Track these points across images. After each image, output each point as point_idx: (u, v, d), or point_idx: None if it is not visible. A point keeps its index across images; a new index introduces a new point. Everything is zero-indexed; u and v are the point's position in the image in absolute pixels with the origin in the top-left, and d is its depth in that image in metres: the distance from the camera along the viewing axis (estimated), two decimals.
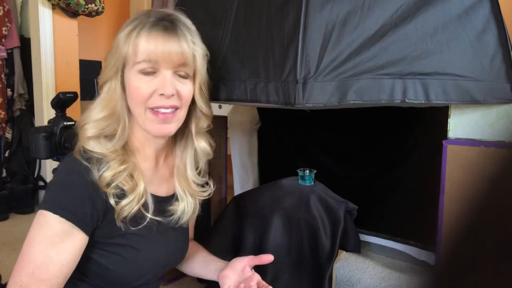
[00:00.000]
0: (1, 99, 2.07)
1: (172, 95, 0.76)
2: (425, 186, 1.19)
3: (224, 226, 1.27)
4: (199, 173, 0.89)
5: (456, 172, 0.93)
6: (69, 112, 1.15)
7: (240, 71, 0.93)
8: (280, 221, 1.17)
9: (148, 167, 0.84)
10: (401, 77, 0.85)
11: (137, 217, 0.77)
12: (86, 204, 0.72)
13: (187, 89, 0.79)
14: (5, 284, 0.72)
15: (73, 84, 2.23)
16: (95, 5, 2.12)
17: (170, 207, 0.84)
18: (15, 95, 2.18)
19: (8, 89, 2.16)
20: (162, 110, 0.76)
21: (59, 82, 2.15)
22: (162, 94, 0.75)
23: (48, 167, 2.15)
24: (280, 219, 1.17)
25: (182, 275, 1.33)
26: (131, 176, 0.76)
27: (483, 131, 0.95)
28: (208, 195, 0.90)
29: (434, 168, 1.00)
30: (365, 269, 1.26)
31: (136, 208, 0.75)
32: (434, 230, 0.96)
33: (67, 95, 1.11)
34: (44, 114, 2.11)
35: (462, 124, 0.98)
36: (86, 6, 2.08)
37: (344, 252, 1.24)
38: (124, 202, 0.74)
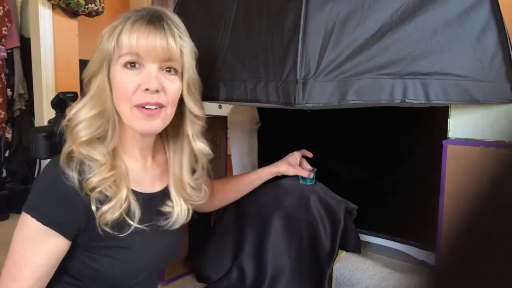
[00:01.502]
0: (1, 99, 2.07)
1: (157, 91, 0.74)
2: (425, 186, 1.19)
3: (224, 226, 1.27)
4: (196, 177, 0.89)
5: (456, 172, 0.93)
6: (69, 112, 1.15)
7: (240, 71, 0.93)
8: (280, 221, 1.17)
9: (137, 167, 0.83)
10: (401, 77, 0.85)
11: (121, 224, 0.75)
12: (65, 210, 0.71)
13: (174, 86, 0.77)
14: None
15: (73, 84, 2.23)
16: (95, 5, 2.12)
17: (163, 208, 0.83)
18: (15, 95, 2.18)
19: (8, 89, 2.16)
20: (147, 107, 0.74)
21: (59, 82, 2.15)
22: (147, 89, 0.73)
23: None
24: (280, 219, 1.17)
25: (182, 275, 1.33)
26: (115, 181, 0.75)
27: (483, 131, 0.95)
28: (199, 200, 0.90)
29: (434, 168, 1.00)
30: (365, 269, 1.26)
31: (117, 214, 0.73)
32: (434, 230, 0.96)
33: (67, 95, 1.11)
34: (44, 114, 2.11)
35: (462, 124, 0.98)
36: (86, 6, 2.08)
37: (344, 252, 1.24)
38: (105, 207, 0.72)
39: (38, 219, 0.70)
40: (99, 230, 0.73)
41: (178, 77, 0.78)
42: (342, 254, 1.22)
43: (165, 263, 0.91)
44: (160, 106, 0.75)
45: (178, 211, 0.85)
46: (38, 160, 2.16)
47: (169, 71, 0.77)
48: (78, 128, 0.74)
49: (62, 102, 1.12)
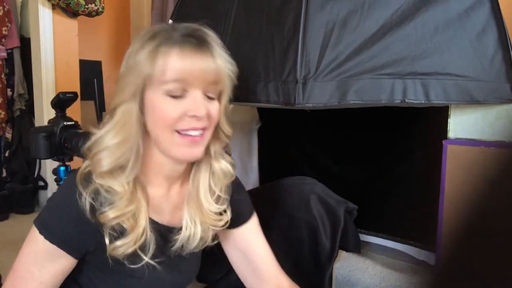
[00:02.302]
0: (1, 99, 2.07)
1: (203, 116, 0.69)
2: (425, 186, 1.19)
3: None
4: (216, 200, 0.78)
5: (456, 172, 0.93)
6: (69, 112, 1.15)
7: (240, 71, 0.93)
8: (280, 221, 1.17)
9: (159, 194, 0.76)
10: (401, 77, 0.85)
11: (133, 257, 0.71)
12: (76, 232, 0.69)
13: (215, 108, 0.71)
14: None
15: (73, 84, 2.23)
16: (95, 5, 2.12)
17: (175, 237, 0.77)
18: (15, 95, 2.17)
19: (8, 89, 2.15)
20: (192, 133, 0.68)
21: (59, 82, 2.15)
22: (193, 116, 0.67)
23: (48, 167, 2.15)
24: (280, 219, 1.17)
25: None
26: (133, 214, 0.70)
27: (483, 131, 0.95)
28: (224, 224, 0.79)
29: (434, 168, 1.00)
30: (365, 269, 1.26)
31: (131, 250, 0.69)
32: (434, 230, 0.96)
33: (67, 95, 1.11)
34: (44, 114, 2.11)
35: (462, 124, 0.98)
36: (86, 6, 2.08)
37: (344, 252, 1.24)
38: (118, 242, 0.68)
39: (47, 237, 0.68)
40: (109, 259, 0.70)
41: (216, 99, 0.73)
42: (342, 254, 1.22)
43: None
44: (204, 129, 0.70)
45: (189, 235, 0.76)
46: (38, 160, 2.16)
47: (211, 95, 0.71)
48: (100, 157, 0.68)
49: (62, 102, 1.12)
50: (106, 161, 0.68)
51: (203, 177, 0.78)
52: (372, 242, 1.43)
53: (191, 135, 0.69)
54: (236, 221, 0.84)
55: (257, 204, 1.24)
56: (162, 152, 0.72)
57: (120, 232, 0.69)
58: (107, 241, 0.68)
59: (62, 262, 0.70)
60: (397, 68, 0.85)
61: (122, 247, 0.69)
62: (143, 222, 0.70)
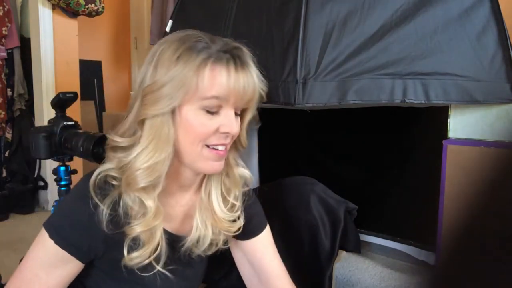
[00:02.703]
0: (1, 99, 2.07)
1: None
2: (425, 186, 1.19)
3: None
4: (231, 208, 0.78)
5: (456, 172, 0.93)
6: (69, 112, 1.15)
7: None
8: (280, 221, 1.17)
9: (170, 203, 0.77)
10: (401, 77, 0.85)
11: (146, 266, 0.71)
12: (86, 238, 0.69)
13: (239, 124, 0.72)
14: (5, 284, 0.72)
15: (73, 84, 2.23)
16: (95, 5, 2.12)
17: (183, 248, 0.77)
18: (15, 95, 2.17)
19: (8, 89, 2.15)
20: (220, 148, 0.70)
21: (59, 82, 2.15)
22: (226, 132, 0.68)
23: (48, 167, 2.15)
24: (280, 219, 1.17)
25: None
26: (155, 227, 0.70)
27: (483, 131, 0.95)
28: (237, 230, 0.78)
29: (434, 168, 1.00)
30: (365, 269, 1.26)
31: (146, 261, 0.70)
32: (434, 230, 0.96)
33: (67, 95, 1.11)
34: (44, 114, 2.11)
35: (462, 124, 0.98)
36: (86, 6, 2.08)
37: (344, 252, 1.24)
38: (135, 254, 0.68)
39: (57, 242, 0.68)
40: (120, 264, 0.70)
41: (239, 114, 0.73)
42: (342, 254, 1.22)
43: None
44: (227, 144, 0.71)
45: (199, 236, 0.76)
46: (38, 160, 2.16)
47: (238, 113, 0.72)
48: (136, 175, 0.67)
49: (62, 102, 1.12)
50: (142, 181, 0.66)
51: (215, 186, 0.78)
52: (372, 242, 1.43)
53: (218, 150, 0.69)
54: (248, 233, 0.84)
55: None
56: (184, 163, 0.71)
57: (137, 244, 0.69)
58: (125, 252, 0.68)
59: (70, 267, 0.70)
60: (397, 68, 0.85)
61: (138, 258, 0.69)
62: (158, 234, 0.70)
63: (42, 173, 2.20)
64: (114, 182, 0.68)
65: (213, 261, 1.24)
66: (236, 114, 0.71)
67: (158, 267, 0.71)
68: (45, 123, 1.17)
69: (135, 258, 0.69)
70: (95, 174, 0.68)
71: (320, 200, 1.19)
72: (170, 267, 0.74)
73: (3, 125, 2.12)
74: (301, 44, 0.81)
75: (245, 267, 0.88)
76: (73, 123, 1.12)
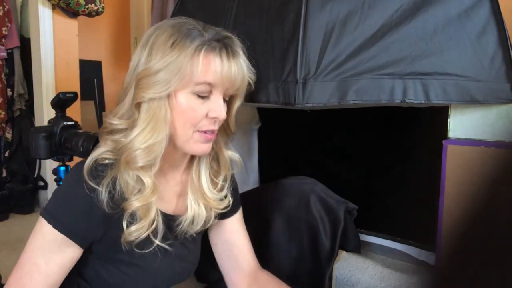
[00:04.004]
0: (1, 99, 2.07)
1: None
2: (425, 186, 1.19)
3: None
4: (220, 189, 0.84)
5: (456, 172, 0.93)
6: (69, 112, 1.15)
7: None
8: (280, 221, 1.17)
9: (161, 182, 0.79)
10: (401, 77, 0.85)
11: (144, 242, 0.74)
12: (83, 221, 0.70)
13: (225, 111, 0.76)
14: (4, 284, 0.72)
15: (73, 84, 2.23)
16: (95, 5, 2.12)
17: (178, 221, 0.80)
18: (15, 95, 2.17)
19: (8, 89, 2.15)
20: (209, 132, 0.74)
21: (59, 82, 2.15)
22: (215, 117, 0.73)
23: (48, 167, 2.15)
24: (280, 219, 1.17)
25: None
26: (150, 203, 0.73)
27: (483, 131, 0.95)
28: (225, 207, 0.84)
29: (434, 168, 1.00)
30: (365, 269, 1.26)
31: (144, 235, 0.73)
32: (434, 230, 0.96)
33: (67, 95, 1.11)
34: (44, 114, 2.11)
35: (462, 124, 0.98)
36: (86, 6, 2.08)
37: (344, 252, 1.24)
38: (133, 228, 0.71)
39: (55, 227, 0.69)
40: (119, 243, 0.72)
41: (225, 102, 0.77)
42: (342, 254, 1.22)
43: (175, 284, 0.88)
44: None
45: (193, 215, 0.80)
46: (38, 160, 2.16)
47: (226, 99, 0.76)
48: (135, 155, 0.70)
49: (62, 102, 1.12)
50: (141, 160, 0.70)
51: (204, 168, 0.83)
52: (372, 242, 1.43)
53: (207, 134, 0.74)
54: (230, 212, 0.90)
55: (257, 204, 1.24)
56: (176, 145, 0.75)
57: (134, 219, 0.72)
58: (124, 226, 0.71)
59: (69, 253, 0.71)
60: (397, 68, 0.85)
61: (137, 231, 0.72)
62: (154, 209, 0.74)
63: (42, 173, 2.20)
64: (108, 162, 0.72)
65: (213, 261, 1.24)
66: (224, 100, 0.75)
67: (157, 241, 0.75)
68: (45, 123, 1.17)
69: (133, 231, 0.72)
70: (90, 159, 0.71)
71: (320, 200, 1.19)
72: (168, 242, 0.78)
73: (3, 125, 2.12)
74: (301, 44, 0.81)
75: (221, 247, 0.93)
76: (73, 123, 1.12)
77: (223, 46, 0.71)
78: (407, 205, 1.36)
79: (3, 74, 2.10)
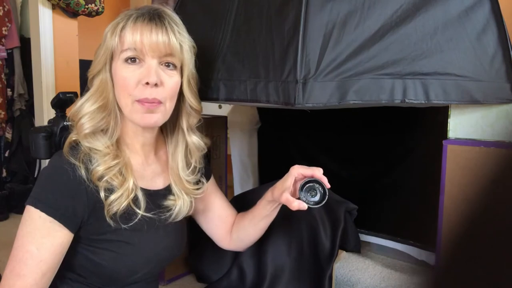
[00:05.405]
0: (1, 99, 2.07)
1: (156, 85, 0.76)
2: (425, 186, 1.19)
3: None
4: (192, 172, 0.90)
5: (456, 172, 0.93)
6: (69, 112, 1.15)
7: (240, 71, 0.93)
8: (280, 221, 1.17)
9: (139, 162, 0.85)
10: (401, 77, 0.85)
11: (128, 214, 0.78)
12: (69, 200, 0.72)
13: (173, 80, 0.80)
14: None
15: (73, 84, 2.23)
16: (95, 5, 2.12)
17: (165, 202, 0.85)
18: (15, 95, 2.18)
19: (8, 89, 2.16)
20: (146, 102, 0.77)
21: (59, 82, 2.15)
22: (146, 83, 0.75)
23: None
24: (280, 219, 1.17)
25: (182, 275, 1.33)
26: (120, 172, 0.78)
27: (483, 131, 0.95)
28: (200, 194, 0.92)
29: (434, 168, 1.00)
30: (365, 269, 1.26)
31: (125, 204, 0.76)
32: (434, 230, 0.96)
33: (67, 95, 1.11)
34: (44, 114, 2.11)
35: (462, 124, 0.98)
36: (86, 6, 2.08)
37: (344, 252, 1.24)
38: (112, 197, 0.75)
39: (43, 210, 0.70)
40: (105, 220, 0.75)
41: (177, 72, 0.81)
42: (342, 254, 1.22)
43: (165, 262, 0.91)
44: (158, 102, 0.78)
45: (181, 203, 0.86)
46: (38, 160, 2.16)
47: (168, 66, 0.79)
48: (82, 121, 0.77)
49: (62, 102, 1.12)
50: (87, 124, 0.77)
51: (180, 151, 0.88)
52: (372, 242, 1.43)
53: (148, 102, 0.77)
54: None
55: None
56: (126, 118, 0.81)
57: (111, 191, 0.76)
58: (102, 196, 0.74)
59: (59, 237, 0.72)
60: (397, 68, 0.85)
61: (117, 201, 0.75)
62: (130, 178, 0.78)
63: None
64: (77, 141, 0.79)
65: (213, 261, 1.24)
66: (169, 68, 0.79)
67: (141, 212, 0.79)
68: (45, 123, 1.17)
69: (113, 201, 0.75)
70: (67, 141, 0.79)
71: None
72: (153, 212, 0.82)
73: (3, 125, 2.13)
74: (301, 44, 0.81)
75: (201, 212, 1.02)
76: None
77: (148, 16, 0.77)
78: (407, 205, 1.36)
79: (3, 74, 2.10)
